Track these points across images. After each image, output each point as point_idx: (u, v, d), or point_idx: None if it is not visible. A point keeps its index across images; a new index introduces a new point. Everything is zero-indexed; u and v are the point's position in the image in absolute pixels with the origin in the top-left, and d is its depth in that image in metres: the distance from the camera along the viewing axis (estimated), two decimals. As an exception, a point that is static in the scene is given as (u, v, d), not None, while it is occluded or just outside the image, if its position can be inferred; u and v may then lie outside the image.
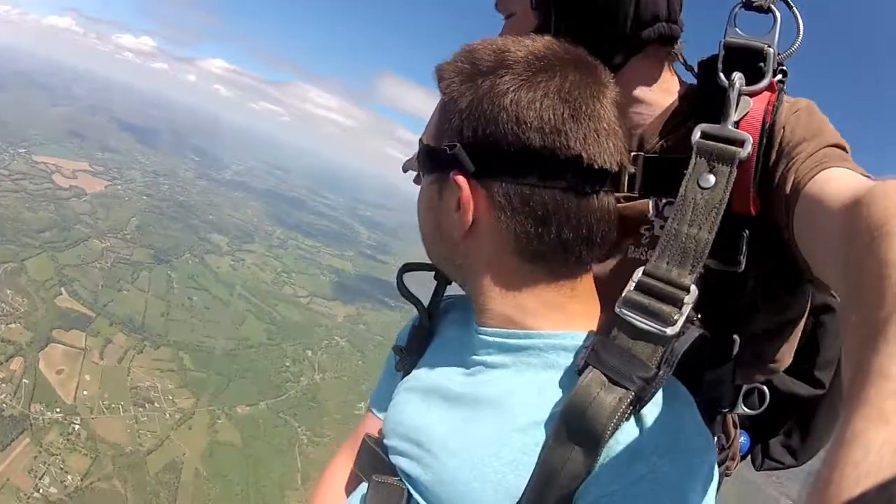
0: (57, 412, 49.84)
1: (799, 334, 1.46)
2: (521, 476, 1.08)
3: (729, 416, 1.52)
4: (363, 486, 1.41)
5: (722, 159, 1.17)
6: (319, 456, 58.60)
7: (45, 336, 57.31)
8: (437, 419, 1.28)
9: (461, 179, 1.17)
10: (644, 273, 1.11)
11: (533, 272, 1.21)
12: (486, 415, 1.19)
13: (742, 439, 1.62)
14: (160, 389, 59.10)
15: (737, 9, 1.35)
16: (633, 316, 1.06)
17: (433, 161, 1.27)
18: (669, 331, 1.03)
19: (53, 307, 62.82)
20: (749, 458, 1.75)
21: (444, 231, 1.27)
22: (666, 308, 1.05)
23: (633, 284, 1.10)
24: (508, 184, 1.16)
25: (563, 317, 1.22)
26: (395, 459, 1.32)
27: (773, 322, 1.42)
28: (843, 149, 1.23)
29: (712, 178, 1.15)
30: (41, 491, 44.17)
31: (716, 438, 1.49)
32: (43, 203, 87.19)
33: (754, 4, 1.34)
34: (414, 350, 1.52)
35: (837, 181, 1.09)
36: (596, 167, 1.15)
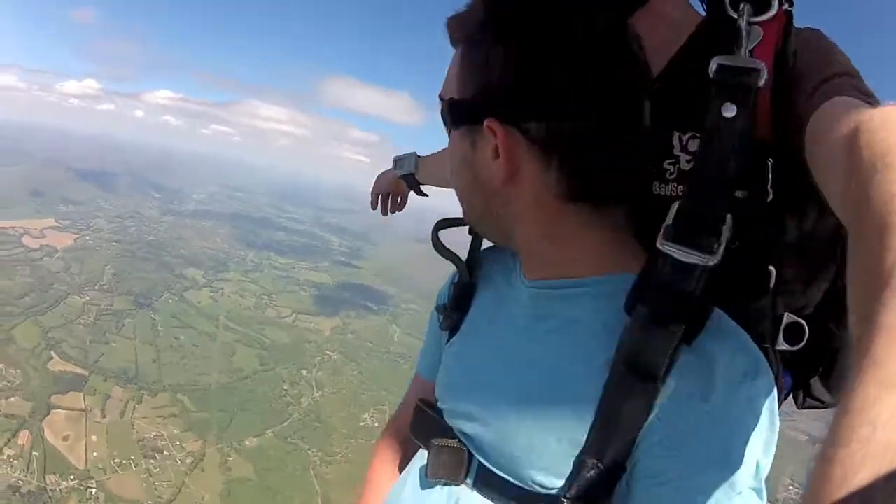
0: (72, 479, 49.08)
1: (831, 272, 1.43)
2: (582, 422, 1.09)
3: (770, 352, 1.49)
4: (420, 458, 1.42)
5: (741, 88, 1.15)
6: (335, 475, 58.73)
7: (45, 403, 56.31)
8: (494, 376, 1.28)
9: (495, 124, 1.16)
10: (679, 206, 1.10)
11: (576, 214, 1.20)
12: (542, 367, 1.20)
13: (785, 378, 1.59)
14: (166, 437, 58.42)
15: None
16: (675, 248, 1.04)
17: (460, 113, 1.25)
18: (711, 260, 1.02)
19: (47, 373, 61.63)
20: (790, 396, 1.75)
21: (483, 182, 1.24)
22: (705, 238, 1.03)
23: (671, 218, 1.08)
24: (543, 123, 1.14)
25: (609, 259, 1.22)
26: (454, 422, 1.34)
27: (803, 248, 1.40)
28: (852, 75, 1.21)
29: (734, 108, 1.13)
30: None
31: None
32: (18, 268, 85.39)
33: None
34: (457, 307, 1.52)
35: (840, 109, 1.06)
36: (625, 98, 1.17)
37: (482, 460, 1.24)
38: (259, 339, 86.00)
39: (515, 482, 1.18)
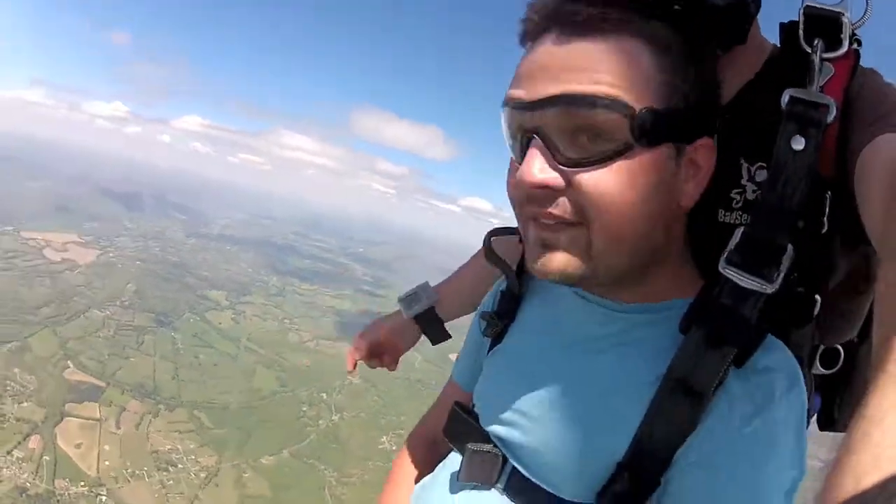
0: (82, 486, 48.83)
1: (868, 304, 1.46)
2: (623, 436, 1.11)
3: (807, 375, 1.46)
4: (454, 457, 1.44)
5: (811, 123, 1.17)
6: (350, 496, 57.89)
7: (59, 411, 56.33)
8: (539, 386, 1.29)
9: (711, 143, 1.18)
10: (743, 233, 1.13)
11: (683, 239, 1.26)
12: (590, 382, 1.22)
13: (815, 400, 1.60)
14: (181, 451, 58.10)
15: None
16: (737, 273, 1.09)
17: (672, 128, 1.12)
18: (770, 288, 1.06)
19: (63, 381, 61.80)
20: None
21: (673, 207, 1.17)
22: (766, 266, 1.08)
23: (734, 244, 1.13)
24: (700, 141, 1.17)
25: (670, 286, 1.24)
26: (491, 427, 1.35)
27: (847, 284, 1.41)
28: None
29: (803, 141, 1.15)
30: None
31: None
32: (38, 279, 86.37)
33: None
34: (504, 315, 1.52)
35: (887, 144, 1.10)
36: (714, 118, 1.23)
37: (517, 465, 1.28)
38: (280, 361, 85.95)
39: (549, 489, 1.21)
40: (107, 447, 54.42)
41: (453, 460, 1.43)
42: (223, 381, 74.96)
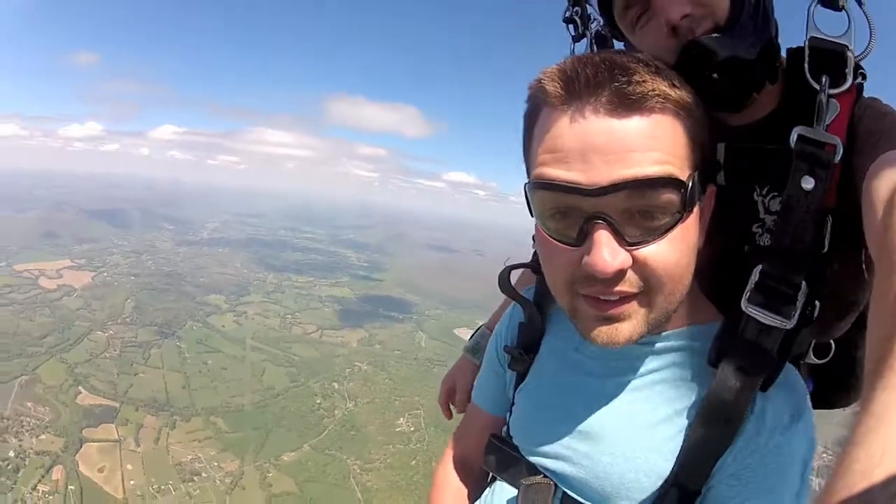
0: None
1: (860, 308, 1.57)
2: (668, 459, 1.25)
3: (802, 365, 1.68)
4: (499, 490, 1.54)
5: (820, 163, 1.26)
6: (376, 481, 58.59)
7: (77, 438, 56.27)
8: (581, 421, 1.38)
9: (715, 189, 1.31)
10: (761, 272, 1.26)
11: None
12: (633, 411, 1.34)
13: (808, 383, 1.74)
14: (203, 459, 58.35)
15: (813, 6, 1.38)
16: (757, 311, 1.23)
17: (701, 186, 1.21)
18: (789, 324, 1.22)
19: (76, 407, 61.69)
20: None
21: (694, 258, 1.24)
22: (784, 304, 1.23)
23: (754, 284, 1.26)
24: (710, 188, 1.29)
25: (687, 312, 1.35)
26: (536, 459, 1.44)
27: (844, 292, 1.52)
28: None
29: (812, 181, 1.25)
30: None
31: None
32: (37, 309, 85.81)
33: (832, 2, 1.35)
34: (530, 349, 1.57)
35: (889, 159, 1.15)
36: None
37: (569, 492, 1.37)
38: (287, 356, 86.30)
39: None
40: (129, 466, 54.45)
41: (502, 491, 1.51)
42: (234, 383, 75.17)
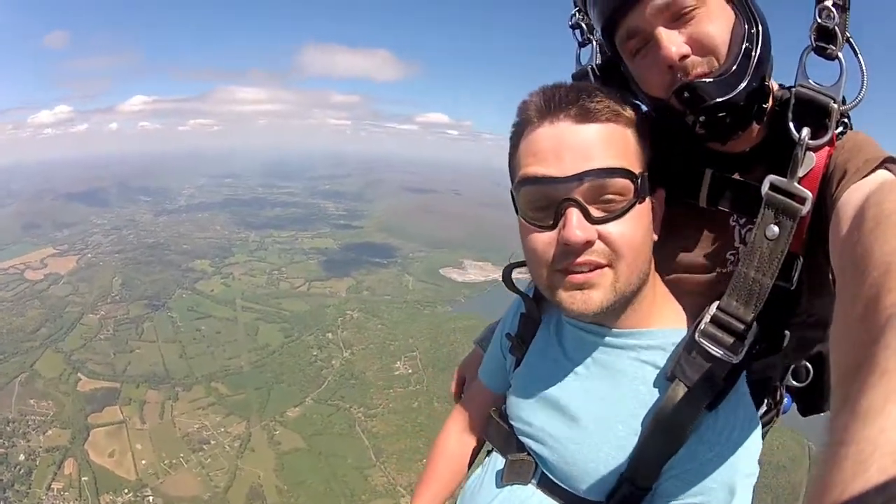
0: (126, 493, 49.45)
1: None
2: (625, 456, 1.45)
3: (779, 388, 1.89)
4: (494, 460, 1.78)
5: (787, 214, 1.37)
6: (381, 426, 60.19)
7: (84, 426, 56.95)
8: (557, 410, 1.60)
9: (664, 193, 1.53)
10: (717, 308, 1.42)
11: (656, 271, 1.56)
12: (602, 406, 1.52)
13: (785, 401, 1.98)
14: (210, 427, 59.50)
15: (806, 54, 1.43)
16: (708, 344, 1.39)
17: (649, 185, 1.42)
18: (735, 359, 1.37)
19: (78, 395, 62.24)
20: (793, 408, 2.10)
21: (651, 240, 1.47)
22: (733, 340, 1.38)
23: (709, 317, 1.42)
24: (658, 192, 1.51)
25: (658, 313, 1.56)
26: (524, 439, 1.67)
27: (818, 321, 1.64)
28: (882, 159, 1.32)
29: (776, 230, 1.37)
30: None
31: (765, 403, 1.89)
32: (27, 303, 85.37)
33: (826, 52, 1.41)
34: (526, 339, 1.82)
35: (861, 189, 1.23)
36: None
37: (546, 472, 1.60)
38: (278, 312, 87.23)
39: (570, 490, 1.54)
40: (139, 446, 55.31)
41: (496, 461, 1.77)
42: (230, 346, 76.29)
